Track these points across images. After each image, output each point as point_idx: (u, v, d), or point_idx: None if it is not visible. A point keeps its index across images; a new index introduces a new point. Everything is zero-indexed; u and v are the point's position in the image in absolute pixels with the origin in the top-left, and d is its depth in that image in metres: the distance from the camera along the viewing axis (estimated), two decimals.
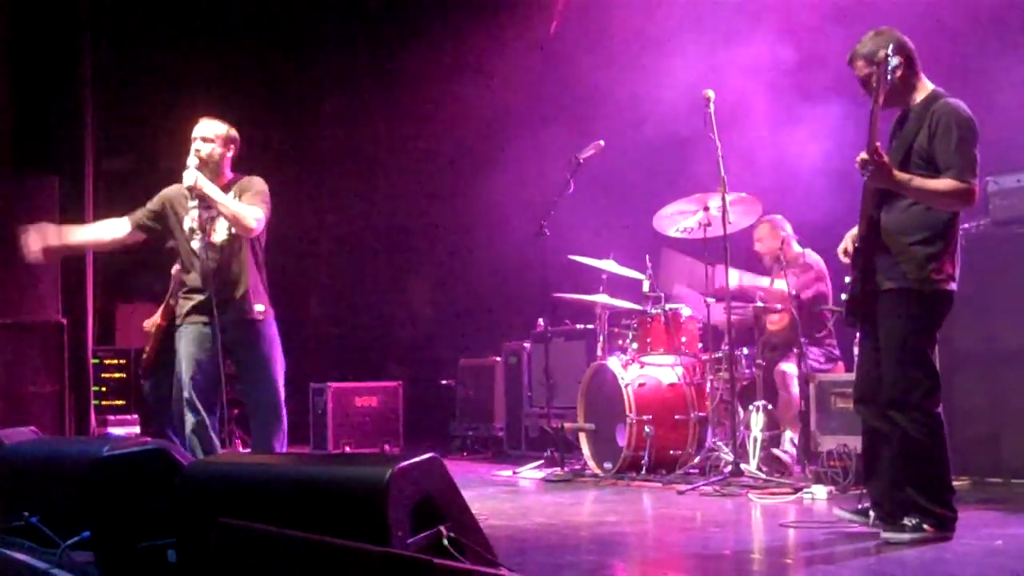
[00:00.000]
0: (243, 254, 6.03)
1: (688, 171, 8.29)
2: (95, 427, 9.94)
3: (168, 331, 7.60)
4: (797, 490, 6.37)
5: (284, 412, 6.15)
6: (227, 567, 3.13)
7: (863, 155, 4.64)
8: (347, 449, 10.08)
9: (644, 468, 7.46)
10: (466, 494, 3.54)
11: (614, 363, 7.85)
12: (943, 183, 4.64)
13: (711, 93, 7.09)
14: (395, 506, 3.12)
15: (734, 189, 7.22)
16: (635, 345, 7.93)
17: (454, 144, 11.50)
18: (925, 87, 4.89)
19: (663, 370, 7.88)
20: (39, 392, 9.08)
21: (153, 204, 6.23)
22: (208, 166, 6.04)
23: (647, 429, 7.51)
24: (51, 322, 9.21)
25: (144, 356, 7.78)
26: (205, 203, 5.94)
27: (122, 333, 11.98)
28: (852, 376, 6.88)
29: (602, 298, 8.17)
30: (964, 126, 4.71)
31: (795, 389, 7.19)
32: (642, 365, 7.88)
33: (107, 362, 11.14)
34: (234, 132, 6.25)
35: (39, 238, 5.99)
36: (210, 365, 5.96)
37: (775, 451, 7.12)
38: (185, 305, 6.07)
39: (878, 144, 4.63)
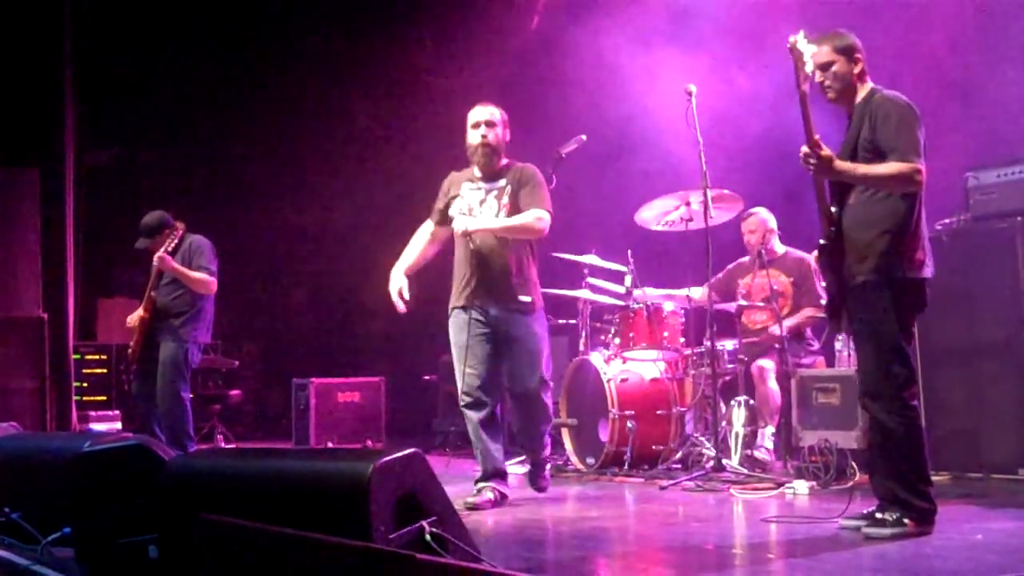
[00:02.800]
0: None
1: (670, 166, 8.30)
2: (76, 423, 9.91)
3: (152, 323, 7.61)
4: (779, 485, 6.38)
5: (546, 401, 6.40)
6: (208, 562, 3.12)
7: (804, 149, 4.69)
8: (330, 445, 10.05)
9: (626, 463, 7.47)
10: (448, 490, 3.54)
11: (596, 358, 7.85)
12: (888, 166, 4.67)
13: (693, 87, 7.09)
14: (377, 501, 3.12)
15: (716, 185, 7.23)
16: (617, 340, 7.94)
17: (436, 139, 11.47)
18: (866, 86, 4.94)
19: (645, 365, 7.89)
20: (20, 387, 9.05)
21: (440, 200, 6.45)
22: (497, 151, 6.26)
23: (629, 424, 7.52)
24: (32, 317, 9.19)
25: (129, 351, 7.75)
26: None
27: (103, 328, 11.95)
28: (833, 371, 6.95)
29: (584, 293, 8.17)
30: (903, 111, 4.77)
31: (772, 384, 7.21)
32: (624, 360, 7.88)
33: (88, 357, 11.12)
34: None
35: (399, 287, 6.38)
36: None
37: (754, 452, 7.12)
38: None
39: (817, 137, 4.68)
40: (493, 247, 6.16)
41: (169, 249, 7.52)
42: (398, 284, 6.37)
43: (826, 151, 4.67)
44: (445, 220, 6.36)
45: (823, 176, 4.77)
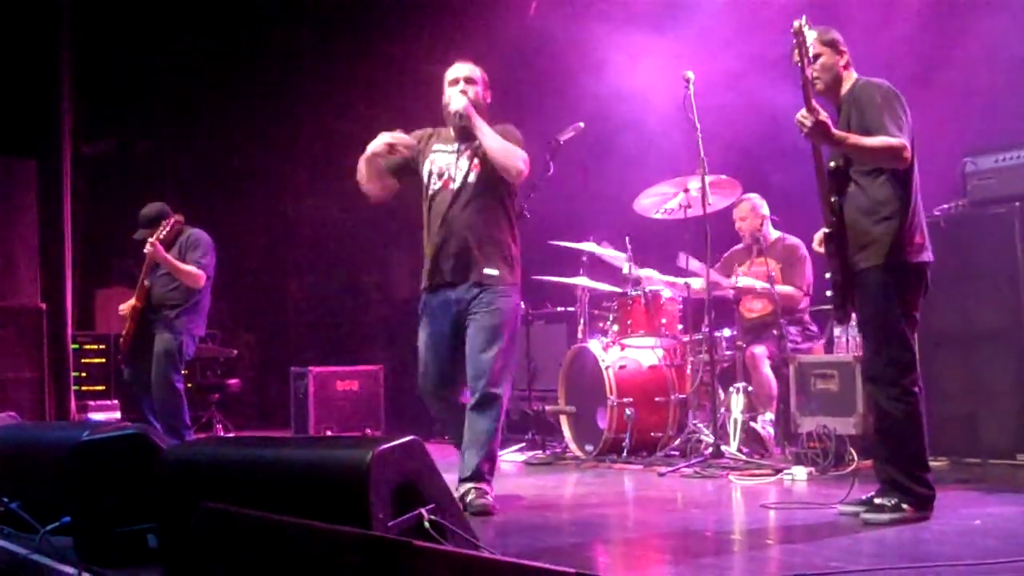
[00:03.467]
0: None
1: (668, 152, 8.29)
2: (75, 412, 9.92)
3: (144, 313, 7.61)
4: (777, 471, 6.39)
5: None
6: (207, 551, 3.12)
7: (801, 113, 4.72)
8: (328, 433, 10.07)
9: (625, 450, 7.47)
10: (447, 477, 3.54)
11: (595, 345, 7.86)
12: (876, 139, 4.72)
13: (691, 74, 7.08)
14: (376, 489, 3.12)
15: (714, 171, 7.23)
16: (615, 327, 7.94)
17: (432, 127, 11.46)
18: (851, 77, 5.02)
19: (643, 352, 7.89)
20: (19, 378, 9.06)
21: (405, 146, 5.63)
22: (479, 110, 5.56)
23: (628, 411, 7.52)
24: (30, 307, 9.20)
25: (122, 340, 7.75)
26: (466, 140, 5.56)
27: (102, 318, 11.95)
28: (831, 357, 6.96)
29: (582, 280, 8.17)
30: (886, 92, 4.85)
31: (766, 370, 7.21)
32: (623, 347, 7.89)
33: (87, 347, 11.12)
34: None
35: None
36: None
37: (753, 425, 7.13)
38: None
39: (814, 103, 4.73)
40: (466, 214, 5.53)
41: (161, 238, 7.49)
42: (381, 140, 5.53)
43: (823, 115, 4.70)
44: (399, 173, 5.74)
45: (818, 141, 4.80)
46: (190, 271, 7.52)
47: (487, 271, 5.49)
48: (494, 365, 5.38)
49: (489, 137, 5.44)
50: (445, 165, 5.60)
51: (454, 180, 5.56)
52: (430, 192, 5.63)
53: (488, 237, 5.55)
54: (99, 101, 11.50)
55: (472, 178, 5.54)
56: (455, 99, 5.52)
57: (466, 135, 5.55)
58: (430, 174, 5.64)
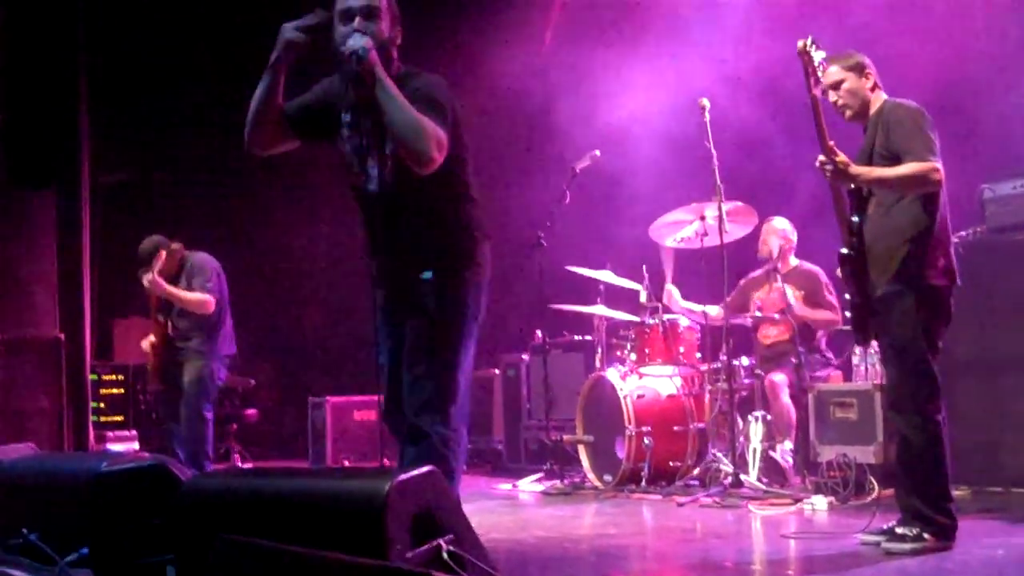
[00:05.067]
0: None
1: (685, 180, 8.29)
2: (93, 443, 9.92)
3: (169, 346, 7.60)
4: (797, 501, 6.36)
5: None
6: None
7: (820, 159, 4.70)
8: (346, 463, 10.05)
9: (644, 480, 7.44)
10: (466, 508, 3.52)
11: (612, 374, 7.84)
12: (904, 167, 4.67)
13: (706, 102, 7.10)
14: (394, 520, 3.11)
15: (730, 198, 7.22)
16: (633, 356, 7.93)
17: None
18: (880, 99, 4.97)
19: (662, 381, 7.87)
20: (37, 408, 9.06)
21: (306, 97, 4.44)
22: (383, 56, 4.08)
23: (646, 440, 7.49)
24: (49, 338, 9.20)
25: (148, 378, 7.75)
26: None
27: (120, 348, 11.98)
28: (850, 386, 6.92)
29: (600, 309, 8.16)
30: (914, 113, 4.80)
31: (786, 398, 7.18)
32: (640, 376, 7.86)
33: (105, 378, 11.14)
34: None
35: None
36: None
37: (772, 455, 7.09)
38: None
39: (831, 143, 4.70)
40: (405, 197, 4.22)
41: (158, 269, 7.43)
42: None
43: (841, 157, 4.68)
44: (299, 123, 4.44)
45: (840, 182, 4.78)
46: (196, 299, 7.48)
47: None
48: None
49: (396, 101, 3.96)
50: (351, 147, 4.36)
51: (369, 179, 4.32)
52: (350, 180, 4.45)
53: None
54: (117, 132, 11.55)
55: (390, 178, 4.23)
56: (354, 37, 4.00)
57: (363, 89, 4.06)
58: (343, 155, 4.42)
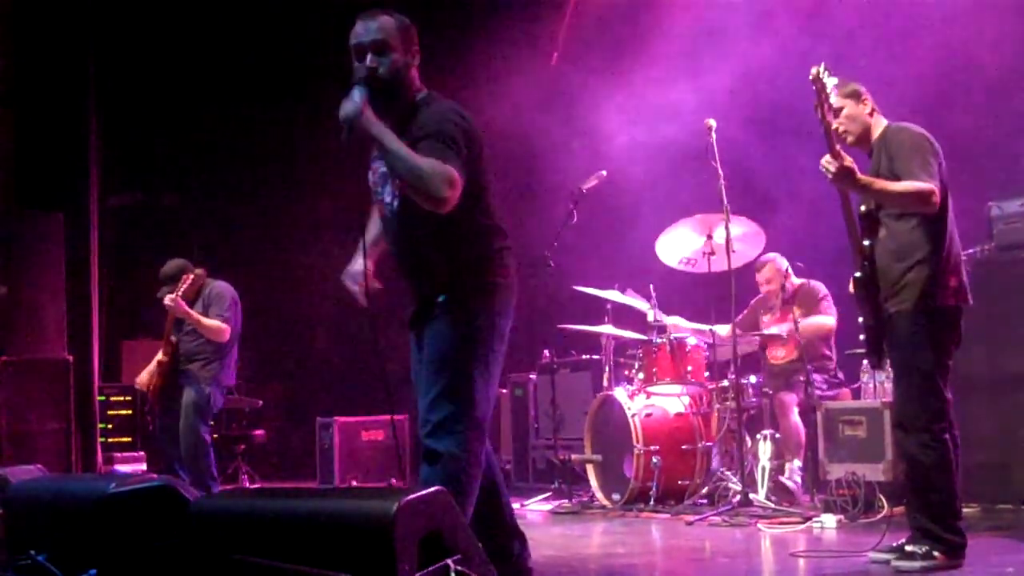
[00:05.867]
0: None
1: (691, 201, 8.30)
2: (102, 464, 9.94)
3: (172, 367, 7.65)
4: (806, 519, 6.34)
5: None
6: None
7: (825, 159, 4.73)
8: (354, 483, 10.04)
9: (652, 499, 7.43)
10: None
11: (620, 393, 7.83)
12: (902, 184, 4.72)
13: (713, 122, 7.12)
14: (402, 540, 3.11)
15: (736, 212, 7.23)
16: (641, 375, 7.92)
17: None
18: (881, 123, 5.02)
19: (670, 400, 7.86)
20: (45, 429, 9.09)
21: None
22: (393, 87, 4.09)
23: (655, 459, 7.48)
24: (57, 359, 9.23)
25: (150, 393, 7.77)
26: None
27: (128, 370, 11.98)
28: (859, 403, 6.91)
29: (607, 328, 8.16)
30: (917, 137, 4.86)
31: (795, 417, 7.17)
32: (648, 395, 7.86)
33: (113, 399, 11.15)
34: (408, 22, 4.18)
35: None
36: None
37: (782, 479, 7.09)
38: None
39: (839, 148, 4.75)
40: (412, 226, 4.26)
41: (181, 293, 7.52)
42: (355, 270, 4.76)
43: (847, 160, 4.70)
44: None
45: (843, 186, 4.80)
46: (214, 326, 7.56)
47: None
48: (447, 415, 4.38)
49: (394, 154, 3.94)
50: (378, 176, 4.44)
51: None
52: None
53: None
54: (126, 154, 11.61)
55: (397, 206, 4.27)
56: (344, 104, 3.96)
57: (395, 123, 4.06)
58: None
